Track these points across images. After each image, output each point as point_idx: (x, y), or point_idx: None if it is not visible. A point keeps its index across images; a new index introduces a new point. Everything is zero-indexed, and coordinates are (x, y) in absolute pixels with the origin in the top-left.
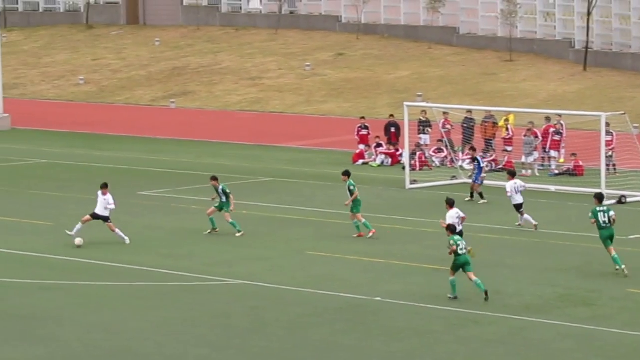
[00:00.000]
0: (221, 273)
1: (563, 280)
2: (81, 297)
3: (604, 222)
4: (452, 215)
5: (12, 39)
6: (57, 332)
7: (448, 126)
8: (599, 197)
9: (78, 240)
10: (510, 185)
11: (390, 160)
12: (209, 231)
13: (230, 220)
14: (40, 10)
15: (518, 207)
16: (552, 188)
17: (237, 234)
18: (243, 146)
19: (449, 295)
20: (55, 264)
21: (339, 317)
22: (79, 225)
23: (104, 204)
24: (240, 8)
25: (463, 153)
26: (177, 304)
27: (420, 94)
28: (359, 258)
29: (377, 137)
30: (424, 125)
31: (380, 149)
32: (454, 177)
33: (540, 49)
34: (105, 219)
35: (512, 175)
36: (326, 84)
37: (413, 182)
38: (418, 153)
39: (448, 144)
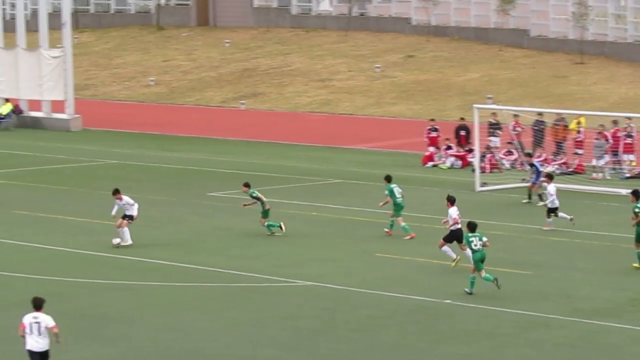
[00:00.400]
0: (291, 274)
1: (634, 284)
2: (152, 298)
3: None
4: (454, 213)
5: (83, 40)
6: (128, 332)
7: (518, 129)
8: (636, 194)
9: (116, 241)
10: (554, 188)
11: (460, 162)
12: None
13: (266, 224)
14: (111, 11)
15: (554, 210)
16: (623, 191)
17: (282, 231)
18: (312, 148)
19: (465, 290)
20: (126, 265)
21: (409, 319)
22: (124, 231)
23: (126, 207)
24: (311, 10)
25: (533, 156)
26: (246, 305)
27: (490, 96)
28: (429, 260)
29: (447, 139)
30: (494, 127)
31: (450, 152)
32: (524, 180)
33: (611, 52)
34: (130, 217)
35: (551, 178)
36: (396, 85)
37: (483, 184)
38: (488, 155)
39: (518, 147)
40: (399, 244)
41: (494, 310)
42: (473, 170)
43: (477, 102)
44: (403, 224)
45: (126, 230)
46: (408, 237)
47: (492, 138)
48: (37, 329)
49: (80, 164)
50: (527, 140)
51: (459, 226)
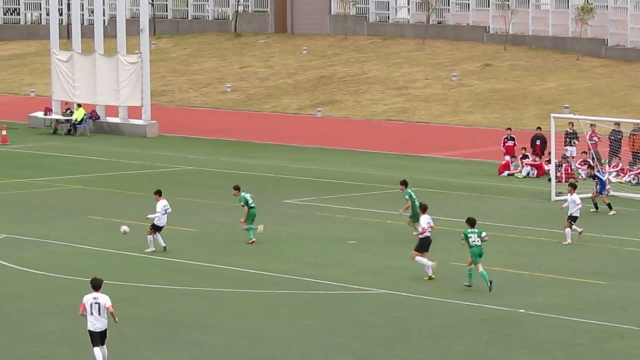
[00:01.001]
0: (365, 282)
1: None
2: (225, 304)
3: None
4: (425, 220)
5: (160, 46)
6: (201, 339)
7: (595, 138)
8: None
9: (124, 228)
10: (578, 197)
11: (536, 171)
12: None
13: (245, 227)
14: (189, 18)
15: (575, 219)
16: None
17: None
18: (388, 155)
19: (464, 284)
20: (200, 271)
21: (482, 328)
22: (151, 238)
23: (157, 215)
24: (388, 17)
25: (610, 165)
26: (320, 313)
27: (567, 105)
28: (503, 269)
29: (524, 148)
30: (570, 137)
31: (526, 161)
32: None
33: None
34: (157, 228)
35: (574, 187)
36: (473, 94)
37: (559, 194)
38: (564, 165)
39: (595, 157)
40: None
41: (568, 320)
42: (549, 180)
43: (554, 112)
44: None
45: (150, 237)
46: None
47: (568, 147)
48: (97, 309)
49: (156, 170)
50: (604, 150)
51: (428, 234)
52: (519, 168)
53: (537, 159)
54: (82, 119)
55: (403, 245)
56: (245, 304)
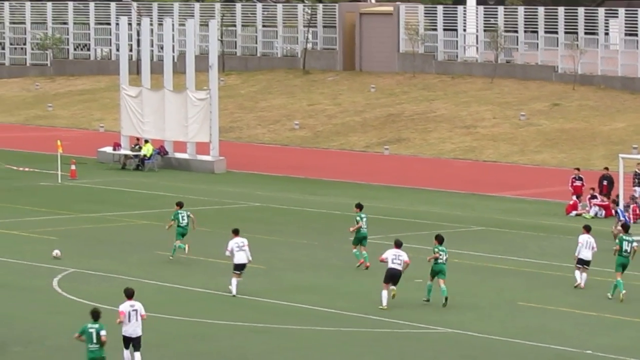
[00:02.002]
0: (431, 321)
1: None
2: (292, 341)
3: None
4: (392, 253)
5: (229, 83)
6: None
7: None
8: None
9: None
10: (584, 238)
11: (604, 212)
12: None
13: (177, 245)
14: (258, 54)
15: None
16: None
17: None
18: (456, 194)
19: (423, 299)
20: (266, 307)
21: None
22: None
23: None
24: (457, 56)
25: None
26: (386, 351)
27: (636, 146)
28: (571, 310)
29: (592, 188)
30: (639, 177)
31: (594, 201)
32: None
33: None
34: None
35: (588, 230)
36: (541, 134)
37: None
38: (632, 206)
39: None
40: (542, 294)
41: None
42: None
43: (622, 152)
44: (355, 250)
45: (234, 280)
46: (358, 263)
47: (636, 188)
48: (135, 316)
49: (223, 206)
50: None
51: (393, 266)
52: (587, 208)
53: (605, 199)
54: (150, 155)
55: (469, 285)
56: (312, 341)
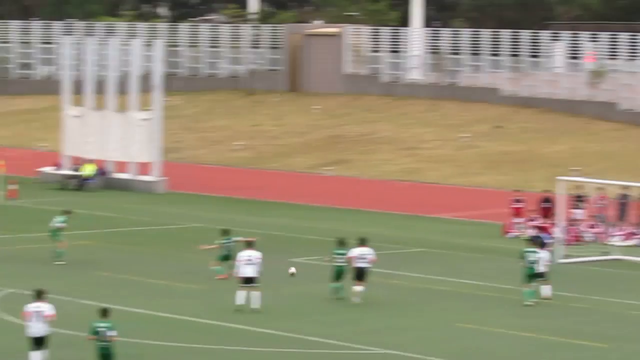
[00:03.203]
0: (369, 342)
1: None
2: None
3: None
4: (358, 252)
5: (173, 103)
6: None
7: (603, 202)
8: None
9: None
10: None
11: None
12: None
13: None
14: (202, 75)
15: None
16: None
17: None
18: (397, 215)
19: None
20: (203, 328)
21: None
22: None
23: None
24: (400, 78)
25: (617, 229)
26: None
27: (576, 168)
28: (508, 331)
29: (531, 210)
30: (578, 200)
31: (532, 223)
32: (605, 253)
33: None
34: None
35: (541, 245)
36: (482, 156)
37: (565, 256)
38: (571, 228)
39: (602, 220)
40: (480, 315)
41: None
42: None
43: (562, 174)
44: (218, 267)
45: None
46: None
47: (575, 210)
48: (37, 316)
49: (163, 227)
50: (611, 213)
51: (359, 264)
52: (526, 230)
53: (545, 221)
54: (93, 175)
55: (407, 306)
56: None
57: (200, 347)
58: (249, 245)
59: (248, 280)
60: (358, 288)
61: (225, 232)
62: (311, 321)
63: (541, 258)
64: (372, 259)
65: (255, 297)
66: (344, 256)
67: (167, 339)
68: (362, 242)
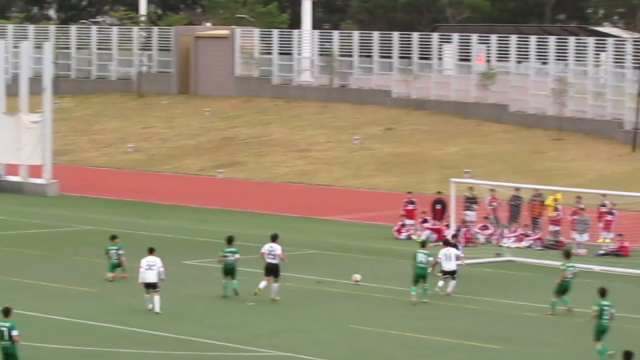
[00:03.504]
0: (263, 344)
1: None
2: None
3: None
4: (267, 247)
5: (63, 105)
6: None
7: (494, 203)
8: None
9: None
10: (443, 252)
11: (435, 236)
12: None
13: None
14: (93, 77)
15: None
16: (597, 268)
17: None
18: (289, 218)
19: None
20: (97, 331)
21: None
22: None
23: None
24: (291, 80)
25: (509, 231)
26: None
27: (467, 170)
28: (402, 333)
29: (424, 212)
30: (470, 201)
31: (425, 225)
32: (498, 255)
33: (589, 129)
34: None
35: (446, 244)
36: (374, 157)
37: (457, 258)
38: (463, 229)
39: (494, 222)
40: (373, 316)
41: None
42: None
43: (455, 176)
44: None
45: (147, 296)
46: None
47: (467, 212)
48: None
49: (56, 229)
50: (504, 215)
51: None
52: (418, 232)
53: (437, 223)
54: None
55: (301, 308)
56: None
57: (95, 350)
58: (150, 251)
59: (149, 286)
60: (262, 284)
61: (114, 238)
62: (205, 324)
63: (452, 254)
64: (279, 255)
65: (156, 301)
66: (234, 255)
67: (62, 341)
68: (273, 238)
